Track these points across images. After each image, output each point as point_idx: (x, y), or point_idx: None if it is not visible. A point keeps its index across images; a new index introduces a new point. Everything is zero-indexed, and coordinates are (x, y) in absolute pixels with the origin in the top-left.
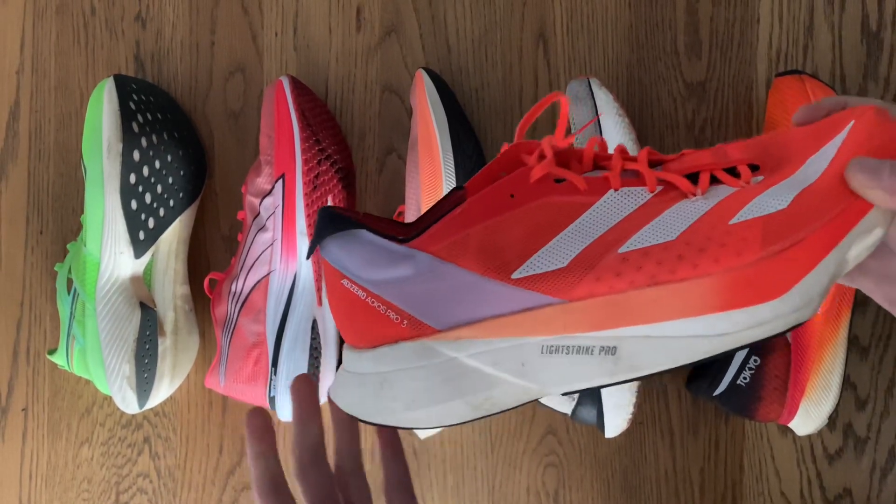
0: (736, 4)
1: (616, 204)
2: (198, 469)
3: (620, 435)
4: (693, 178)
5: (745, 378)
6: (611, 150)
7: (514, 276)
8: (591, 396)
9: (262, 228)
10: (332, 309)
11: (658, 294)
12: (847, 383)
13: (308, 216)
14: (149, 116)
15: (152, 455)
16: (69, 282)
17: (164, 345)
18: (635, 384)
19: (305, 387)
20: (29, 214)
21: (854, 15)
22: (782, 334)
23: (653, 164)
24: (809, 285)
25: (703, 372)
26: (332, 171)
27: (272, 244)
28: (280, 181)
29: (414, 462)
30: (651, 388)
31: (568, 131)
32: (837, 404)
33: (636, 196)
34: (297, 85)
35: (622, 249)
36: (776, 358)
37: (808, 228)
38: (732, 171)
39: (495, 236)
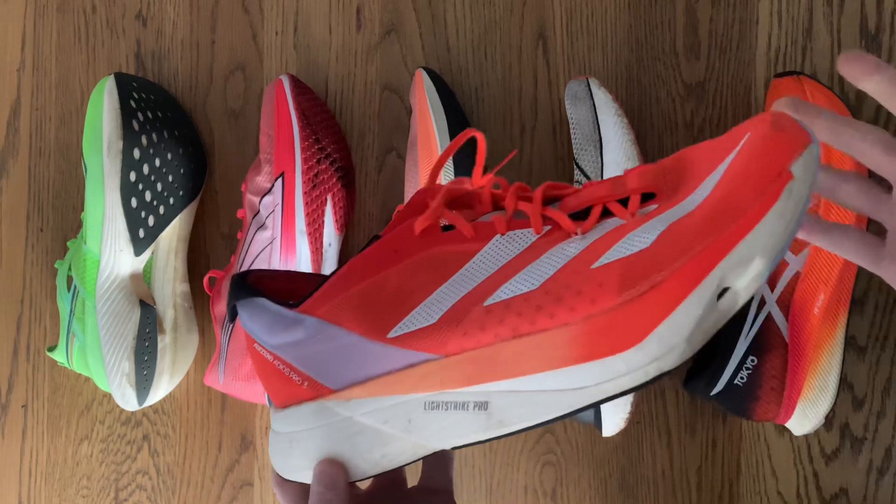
0: (735, 5)
1: (500, 250)
2: (197, 466)
3: (618, 434)
4: (588, 212)
5: (742, 378)
6: (611, 150)
7: (390, 335)
8: None
9: (261, 227)
10: (255, 370)
11: (520, 347)
12: (844, 383)
13: (307, 215)
14: (149, 114)
15: (151, 452)
16: (69, 279)
17: (164, 342)
18: None
19: None
20: (29, 212)
21: (853, 16)
22: (648, 385)
23: (551, 200)
24: (668, 331)
25: (701, 371)
26: (332, 170)
27: (271, 242)
28: (280, 180)
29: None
30: (649, 387)
31: (487, 169)
32: (834, 404)
33: (521, 239)
34: (297, 84)
35: (487, 302)
36: (773, 358)
37: (670, 268)
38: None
39: (374, 295)
